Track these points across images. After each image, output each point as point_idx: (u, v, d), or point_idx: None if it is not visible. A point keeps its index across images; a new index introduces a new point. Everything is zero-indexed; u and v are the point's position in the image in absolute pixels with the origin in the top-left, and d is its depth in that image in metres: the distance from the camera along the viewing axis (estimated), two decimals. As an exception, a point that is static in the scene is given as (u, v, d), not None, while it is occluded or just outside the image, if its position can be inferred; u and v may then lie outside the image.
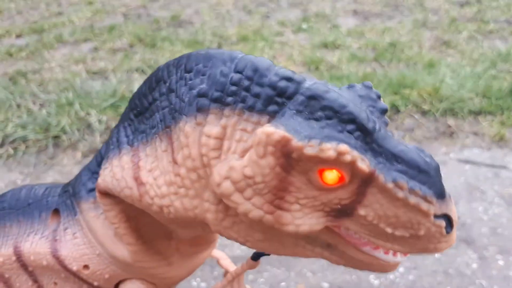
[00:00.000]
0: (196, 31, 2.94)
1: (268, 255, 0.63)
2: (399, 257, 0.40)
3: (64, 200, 0.59)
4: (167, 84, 0.40)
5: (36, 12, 3.51)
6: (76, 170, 1.64)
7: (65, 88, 2.09)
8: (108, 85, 2.10)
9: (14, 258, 0.60)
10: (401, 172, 0.35)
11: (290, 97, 0.35)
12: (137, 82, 2.16)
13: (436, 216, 0.35)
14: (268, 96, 0.36)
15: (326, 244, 0.39)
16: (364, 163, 0.33)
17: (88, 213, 0.55)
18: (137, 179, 0.43)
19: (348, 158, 0.33)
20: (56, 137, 1.78)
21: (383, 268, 0.40)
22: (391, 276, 1.16)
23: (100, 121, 1.83)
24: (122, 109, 1.91)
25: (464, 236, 1.29)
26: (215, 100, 0.37)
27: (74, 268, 0.58)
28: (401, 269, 1.18)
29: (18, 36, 2.96)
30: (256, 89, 0.36)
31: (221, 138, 0.37)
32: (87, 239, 0.56)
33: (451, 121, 1.85)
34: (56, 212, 0.60)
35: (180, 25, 3.10)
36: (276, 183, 0.35)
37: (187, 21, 3.18)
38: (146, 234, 0.53)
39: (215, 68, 0.38)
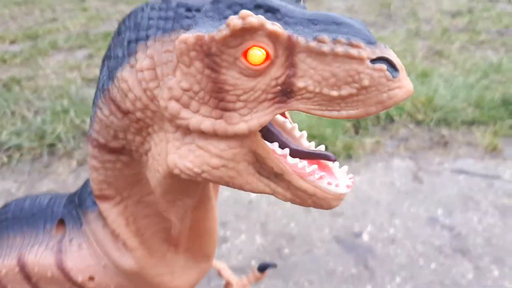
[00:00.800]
0: (191, 39, 2.95)
1: (275, 266, 0.64)
2: (342, 189, 0.41)
3: (70, 211, 0.59)
4: (108, 54, 0.44)
5: (31, 18, 3.49)
6: (71, 179, 1.63)
7: (60, 95, 2.08)
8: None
9: (17, 269, 0.60)
10: (320, 30, 0.35)
11: (198, 9, 0.37)
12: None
13: (372, 61, 0.34)
14: (178, 13, 0.38)
15: (274, 174, 0.40)
16: (275, 25, 0.34)
17: (94, 224, 0.55)
18: (112, 151, 0.47)
19: (256, 19, 0.33)
20: (51, 145, 1.76)
21: (326, 200, 0.41)
22: (387, 286, 1.16)
23: (95, 129, 1.83)
24: (118, 117, 1.91)
25: (459, 247, 1.30)
26: (138, 39, 0.39)
27: (80, 279, 0.58)
28: (397, 279, 1.19)
29: (12, 42, 2.95)
30: (169, 13, 0.38)
31: (153, 68, 0.39)
32: (92, 250, 0.56)
33: (444, 131, 1.88)
34: (61, 222, 0.60)
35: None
36: (212, 86, 0.36)
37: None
38: (147, 238, 0.54)
39: (136, 18, 0.41)
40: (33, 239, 0.60)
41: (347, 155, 1.72)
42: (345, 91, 0.35)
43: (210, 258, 0.64)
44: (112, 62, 0.42)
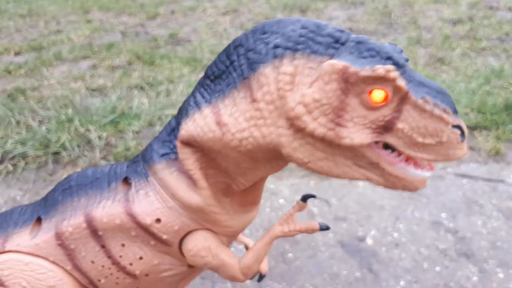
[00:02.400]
0: (194, 48, 2.98)
1: (314, 196, 0.76)
2: (426, 173, 0.51)
3: (134, 169, 0.65)
4: (245, 46, 0.53)
5: (35, 30, 3.54)
6: (75, 186, 1.64)
7: (64, 105, 2.10)
8: (107, 101, 2.11)
9: (84, 225, 0.64)
10: (426, 92, 0.47)
11: (343, 44, 0.48)
12: (137, 98, 2.18)
13: (453, 126, 0.47)
14: (328, 42, 0.49)
15: (369, 163, 0.50)
16: (403, 81, 0.46)
17: (161, 172, 0.62)
18: (219, 123, 0.55)
19: (394, 74, 0.45)
20: (56, 153, 1.78)
21: (414, 183, 0.51)
22: (392, 290, 1.16)
23: (100, 137, 1.84)
24: (121, 125, 1.92)
25: (464, 250, 1.29)
26: (288, 48, 0.49)
27: (148, 221, 0.63)
28: (402, 283, 1.18)
29: (17, 53, 2.99)
30: (318, 38, 0.49)
31: (293, 75, 0.49)
32: (159, 195, 0.63)
33: (447, 136, 1.88)
34: (126, 180, 0.66)
35: (178, 43, 3.13)
36: (337, 104, 0.47)
37: (185, 39, 3.22)
38: (212, 183, 0.62)
39: (285, 27, 0.50)
40: (99, 197, 0.65)
41: (350, 160, 1.72)
42: (428, 140, 0.47)
43: (257, 207, 0.73)
44: (253, 55, 0.51)
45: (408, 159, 0.51)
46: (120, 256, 0.66)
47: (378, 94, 0.46)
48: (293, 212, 0.73)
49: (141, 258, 0.67)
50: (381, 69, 0.44)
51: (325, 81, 0.46)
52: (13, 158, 1.74)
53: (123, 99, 2.18)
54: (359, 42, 0.47)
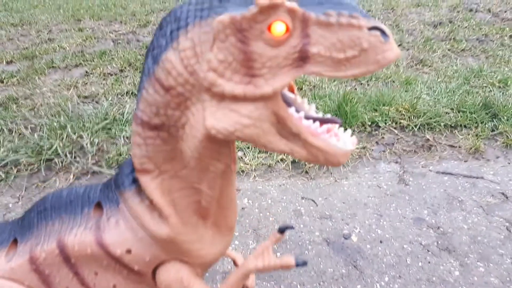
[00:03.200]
0: (184, 55, 3.03)
1: (292, 228, 0.75)
2: (348, 145, 0.49)
3: (107, 194, 0.64)
4: (150, 47, 0.52)
5: (27, 39, 3.56)
6: (68, 192, 1.68)
7: (57, 112, 2.13)
8: (99, 108, 2.15)
9: (57, 251, 0.63)
10: (326, 8, 0.44)
11: (228, 0, 0.47)
12: (128, 105, 2.22)
13: (368, 29, 0.43)
14: (212, 4, 0.47)
15: (292, 134, 0.49)
16: (293, 3, 0.43)
17: (130, 200, 0.61)
18: (154, 128, 0.55)
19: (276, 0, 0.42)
20: (48, 160, 1.81)
21: (336, 156, 0.49)
22: (377, 285, 1.21)
23: (92, 143, 1.88)
24: (113, 131, 1.96)
25: (446, 245, 1.35)
26: (180, 28, 0.48)
27: (118, 253, 0.62)
28: (386, 278, 1.23)
29: (9, 62, 3.01)
30: (204, 5, 0.47)
31: (193, 47, 0.47)
32: (129, 225, 0.61)
33: (429, 135, 1.94)
34: (99, 205, 0.65)
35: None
36: (242, 56, 0.45)
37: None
38: (181, 209, 0.60)
39: (175, 13, 0.50)
40: (72, 223, 0.64)
41: (336, 161, 1.78)
42: (349, 53, 0.43)
43: (232, 230, 0.71)
44: (156, 51, 0.51)
45: (329, 130, 0.50)
46: (94, 284, 0.66)
47: (277, 26, 0.43)
48: (269, 244, 0.72)
49: (114, 286, 0.66)
50: (261, 0, 0.42)
51: (222, 39, 0.45)
52: (5, 165, 1.77)
53: (115, 105, 2.22)
54: None
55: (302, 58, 0.45)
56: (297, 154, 0.50)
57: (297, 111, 0.51)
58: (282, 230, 0.74)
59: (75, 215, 0.64)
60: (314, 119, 0.51)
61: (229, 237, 0.71)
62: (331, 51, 0.44)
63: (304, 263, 0.68)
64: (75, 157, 1.82)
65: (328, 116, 0.52)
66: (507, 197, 1.55)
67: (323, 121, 0.51)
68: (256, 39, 0.44)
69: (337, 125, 0.51)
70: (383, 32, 0.43)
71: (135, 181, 0.61)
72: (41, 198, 0.70)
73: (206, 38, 0.47)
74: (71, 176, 1.74)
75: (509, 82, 2.47)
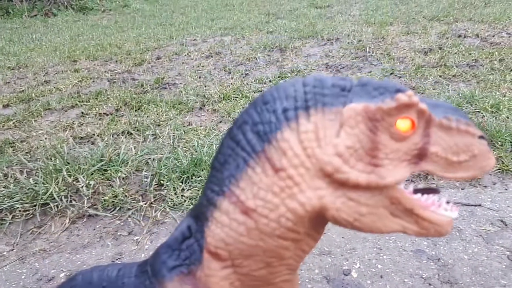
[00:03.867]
0: (179, 92, 3.07)
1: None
2: (453, 213, 0.51)
3: (143, 282, 0.58)
4: (250, 121, 0.51)
5: (23, 81, 3.62)
6: (64, 237, 1.66)
7: (52, 155, 2.14)
8: (95, 149, 2.16)
9: None
10: (444, 112, 0.49)
11: (349, 90, 0.49)
12: (124, 144, 2.23)
13: (478, 137, 0.48)
14: (336, 92, 0.49)
15: (404, 210, 0.49)
16: (424, 104, 0.47)
17: None
18: (245, 211, 0.50)
19: (416, 98, 0.46)
20: (44, 204, 1.80)
21: (445, 227, 0.50)
22: (379, 322, 1.18)
23: (88, 186, 1.87)
24: (109, 173, 1.96)
25: (447, 277, 1.32)
26: (298, 108, 0.49)
27: None
28: (389, 315, 1.21)
29: (6, 106, 3.04)
30: (325, 91, 0.49)
31: (315, 131, 0.48)
32: None
33: (425, 164, 1.95)
34: None
35: (164, 87, 3.23)
36: (369, 145, 0.46)
37: (170, 83, 3.32)
38: None
39: (286, 90, 0.50)
40: None
41: (333, 194, 1.77)
42: (462, 157, 0.48)
43: None
44: (261, 126, 0.50)
45: (434, 203, 0.52)
46: None
47: (405, 123, 0.46)
48: None
49: None
50: (403, 96, 0.45)
51: (351, 125, 0.46)
52: (0, 212, 1.76)
53: (110, 146, 2.23)
54: (364, 85, 0.49)
55: (420, 155, 0.48)
56: (409, 231, 0.50)
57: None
58: None
59: None
60: (416, 190, 0.52)
61: None
62: (447, 152, 0.48)
63: None
64: (70, 201, 1.81)
65: (427, 187, 0.54)
66: (506, 225, 1.54)
67: (424, 191, 0.53)
68: (383, 130, 0.46)
69: (437, 195, 0.53)
70: (487, 142, 0.49)
71: (174, 268, 0.55)
72: (69, 278, 0.64)
73: (331, 125, 0.47)
74: (67, 221, 1.73)
75: (501, 107, 2.50)
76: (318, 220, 0.51)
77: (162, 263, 0.56)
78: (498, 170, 1.89)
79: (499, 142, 2.04)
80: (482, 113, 2.43)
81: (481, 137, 0.48)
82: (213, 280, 0.53)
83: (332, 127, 0.47)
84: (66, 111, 2.90)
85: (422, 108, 0.46)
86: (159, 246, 0.59)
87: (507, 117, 2.36)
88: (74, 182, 1.90)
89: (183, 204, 1.74)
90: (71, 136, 2.45)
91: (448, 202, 0.52)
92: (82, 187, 1.86)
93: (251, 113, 0.51)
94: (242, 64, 3.74)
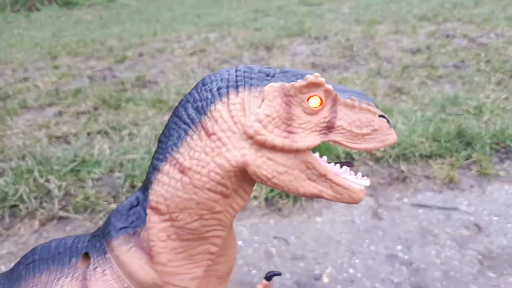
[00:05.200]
0: (160, 90, 3.02)
1: (279, 274, 0.78)
2: (366, 181, 0.60)
3: (94, 244, 0.66)
4: (191, 100, 0.60)
5: (1, 79, 3.54)
6: (33, 240, 1.61)
7: (24, 155, 2.08)
8: (69, 149, 2.11)
9: None
10: (350, 94, 0.59)
11: (273, 76, 0.59)
12: (99, 144, 2.18)
13: (379, 116, 0.58)
14: (261, 77, 0.59)
15: (319, 175, 0.58)
16: (330, 85, 0.57)
17: (118, 249, 0.63)
18: (182, 170, 0.58)
19: (322, 79, 0.55)
20: (13, 206, 1.75)
21: (357, 193, 0.59)
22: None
23: (59, 188, 1.82)
24: (82, 174, 1.91)
25: (418, 282, 1.30)
26: (229, 87, 0.58)
27: None
28: (360, 321, 1.18)
29: (-18, 103, 2.97)
30: (253, 75, 0.59)
31: (241, 103, 0.57)
32: (116, 274, 0.63)
33: (403, 166, 1.93)
34: (86, 255, 0.66)
35: (144, 86, 3.17)
36: (285, 115, 0.56)
37: (152, 81, 3.27)
38: (180, 258, 0.62)
39: (222, 74, 0.60)
40: (59, 274, 0.65)
41: (309, 196, 1.74)
42: (364, 130, 0.57)
43: (227, 280, 0.73)
44: (199, 103, 0.59)
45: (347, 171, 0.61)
46: None
47: (314, 100, 0.56)
48: None
49: None
50: (311, 76, 0.55)
51: (270, 99, 0.56)
52: (-33, 214, 1.70)
53: (85, 146, 2.18)
54: (285, 72, 0.59)
55: (329, 127, 0.57)
56: (325, 194, 0.58)
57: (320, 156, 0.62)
58: (269, 278, 0.77)
59: (63, 266, 0.65)
60: (332, 161, 0.61)
61: (226, 283, 0.72)
62: (351, 126, 0.57)
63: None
64: (41, 203, 1.76)
65: (343, 161, 0.62)
66: (480, 229, 1.53)
67: (339, 163, 0.61)
68: (297, 105, 0.56)
69: (349, 168, 0.61)
70: (387, 121, 0.58)
71: (121, 229, 0.63)
72: (30, 250, 0.70)
73: (254, 100, 0.57)
74: (37, 223, 1.68)
75: (483, 109, 2.49)
76: (245, 178, 0.59)
77: (111, 225, 0.64)
78: (477, 173, 1.88)
79: (478, 145, 2.02)
80: (464, 116, 2.41)
81: (381, 116, 0.58)
82: (153, 231, 0.60)
83: (256, 102, 0.57)
84: (43, 109, 2.84)
85: (328, 88, 0.56)
86: (110, 213, 0.66)
87: (489, 119, 2.35)
88: (46, 183, 1.85)
89: (155, 207, 1.70)
90: (46, 136, 2.39)
91: (363, 176, 0.61)
92: (53, 188, 1.81)
93: (193, 93, 0.60)
94: (226, 62, 3.69)
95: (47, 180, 1.86)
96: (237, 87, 0.58)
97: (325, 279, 1.33)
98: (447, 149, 2.02)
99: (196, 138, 0.58)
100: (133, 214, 0.63)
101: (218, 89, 0.59)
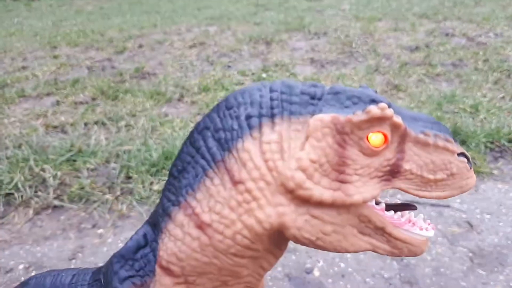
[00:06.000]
0: (158, 82, 3.02)
1: None
2: (430, 232, 0.49)
3: None
4: (211, 127, 0.47)
5: (0, 67, 3.53)
6: (26, 228, 1.62)
7: (21, 144, 2.08)
8: (65, 139, 2.11)
9: None
10: (422, 126, 0.45)
11: (320, 98, 0.45)
12: (96, 135, 2.18)
13: (458, 154, 0.45)
14: (305, 100, 0.45)
15: (374, 229, 0.46)
16: (399, 118, 0.43)
17: None
18: (200, 226, 0.46)
19: (390, 111, 0.42)
20: (8, 194, 1.75)
21: (420, 246, 0.48)
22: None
23: (54, 177, 1.83)
24: (78, 164, 1.91)
25: (408, 278, 1.32)
26: (263, 115, 0.44)
27: None
28: (349, 314, 1.20)
29: (-21, 92, 2.96)
30: (293, 98, 0.45)
31: (279, 142, 0.44)
32: None
33: (398, 163, 1.94)
34: None
35: (143, 77, 3.17)
36: (336, 160, 0.42)
37: (150, 72, 3.27)
38: None
39: (252, 95, 0.46)
40: None
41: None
42: (439, 175, 0.45)
43: None
44: (222, 133, 0.46)
45: (410, 220, 0.49)
46: None
47: (377, 137, 0.43)
48: None
49: None
50: (375, 109, 0.42)
51: (318, 138, 0.42)
52: (-38, 201, 1.71)
53: (82, 136, 2.18)
54: (336, 93, 0.45)
55: (393, 172, 0.44)
56: (380, 250, 0.48)
57: (376, 202, 0.48)
58: None
59: None
60: (391, 207, 0.49)
61: None
62: (423, 170, 0.44)
63: None
64: (36, 191, 1.77)
65: (403, 202, 0.51)
66: (472, 226, 1.54)
67: (399, 207, 0.50)
68: (353, 144, 0.43)
69: (413, 211, 0.50)
70: (468, 160, 0.46)
71: (127, 279, 0.52)
72: (21, 283, 0.62)
73: (296, 136, 0.44)
74: (31, 211, 1.69)
75: (479, 108, 2.49)
76: (280, 237, 0.47)
77: (114, 274, 0.53)
78: (470, 171, 1.89)
79: (473, 144, 2.03)
80: (461, 114, 2.42)
81: (461, 154, 0.46)
82: None
83: (298, 139, 0.43)
84: (41, 98, 2.83)
85: (397, 122, 0.43)
86: (113, 255, 0.55)
87: (485, 118, 2.36)
88: (41, 172, 1.85)
89: (150, 198, 1.71)
90: (44, 125, 2.39)
91: (425, 220, 0.50)
92: (49, 177, 1.82)
93: (214, 118, 0.47)
94: (225, 56, 3.69)
95: (43, 169, 1.87)
96: (272, 116, 0.44)
97: (316, 272, 1.34)
98: (442, 147, 2.03)
99: (217, 183, 0.45)
100: (140, 259, 0.52)
101: (248, 117, 0.45)
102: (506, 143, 2.08)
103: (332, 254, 1.42)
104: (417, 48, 3.82)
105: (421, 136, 0.44)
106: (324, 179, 0.43)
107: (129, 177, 1.83)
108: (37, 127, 2.33)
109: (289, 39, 4.23)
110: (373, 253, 1.42)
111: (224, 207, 0.45)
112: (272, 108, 0.45)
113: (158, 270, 0.49)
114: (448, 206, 1.66)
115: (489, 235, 1.50)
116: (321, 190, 0.43)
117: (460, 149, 0.46)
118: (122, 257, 0.53)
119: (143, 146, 2.02)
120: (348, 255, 1.41)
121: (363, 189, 0.43)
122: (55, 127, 2.38)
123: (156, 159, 1.87)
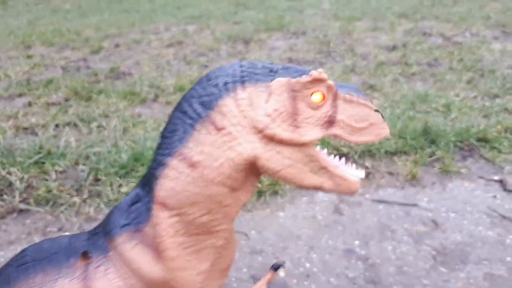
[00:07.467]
0: (133, 82, 2.99)
1: (283, 266, 0.84)
2: (361, 172, 0.64)
3: (94, 242, 0.65)
4: (196, 95, 0.61)
5: (-29, 67, 3.45)
6: (-9, 233, 1.58)
7: (-13, 147, 2.03)
8: (35, 141, 2.07)
9: None
10: (348, 90, 0.62)
11: (276, 72, 0.61)
12: (66, 136, 2.15)
13: (374, 110, 0.61)
14: (265, 72, 0.61)
15: (320, 168, 0.61)
16: (331, 81, 0.60)
17: (122, 247, 0.62)
18: (192, 164, 0.59)
19: (325, 75, 0.59)
20: (-28, 199, 1.71)
21: (354, 183, 0.63)
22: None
23: (21, 180, 1.79)
24: (46, 166, 1.88)
25: (372, 277, 1.33)
26: (236, 82, 0.60)
27: None
28: (314, 314, 1.20)
29: (-51, 92, 2.89)
30: (257, 71, 0.61)
31: (250, 99, 0.59)
32: (120, 272, 0.63)
33: (368, 163, 1.96)
34: (85, 254, 0.65)
35: (118, 77, 3.13)
36: (291, 110, 0.58)
37: (126, 72, 3.23)
38: (188, 253, 0.63)
39: (227, 70, 0.62)
40: (57, 274, 0.63)
41: (274, 191, 1.76)
42: (361, 124, 0.61)
43: (226, 273, 0.74)
44: (206, 98, 0.60)
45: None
46: None
47: (317, 95, 0.59)
48: (263, 283, 0.75)
49: None
50: (315, 72, 0.58)
51: (278, 93, 0.58)
52: None
53: (52, 137, 2.14)
54: (287, 68, 0.62)
55: (330, 122, 0.60)
56: (326, 185, 0.62)
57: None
58: (275, 268, 0.84)
59: (60, 267, 0.63)
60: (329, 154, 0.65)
61: (222, 281, 0.73)
62: (351, 120, 0.60)
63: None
64: (1, 195, 1.73)
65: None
66: (437, 225, 1.56)
67: (335, 155, 0.65)
68: (301, 100, 0.59)
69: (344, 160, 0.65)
70: (381, 115, 0.62)
71: (124, 226, 0.63)
72: (19, 252, 0.67)
73: (261, 95, 0.59)
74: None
75: (451, 107, 2.54)
76: (252, 172, 0.61)
77: (113, 222, 0.63)
78: (439, 170, 1.92)
79: (442, 143, 2.07)
80: (433, 113, 2.46)
81: (376, 110, 0.61)
82: (161, 227, 0.60)
83: (262, 97, 0.59)
84: (13, 99, 2.78)
85: (330, 83, 0.59)
86: (110, 210, 0.67)
87: (456, 117, 2.40)
88: (7, 176, 1.81)
89: (118, 200, 1.68)
90: (14, 127, 2.34)
91: (358, 168, 0.65)
92: (15, 180, 1.78)
93: (197, 88, 0.62)
94: (203, 55, 3.67)
95: (9, 173, 1.83)
96: (243, 82, 0.60)
97: (282, 273, 1.35)
98: (412, 146, 2.05)
99: (204, 132, 0.59)
100: (134, 211, 0.63)
101: (225, 84, 0.60)
102: (475, 142, 2.12)
103: (298, 254, 1.43)
104: (394, 48, 3.87)
105: (347, 95, 0.60)
106: (283, 123, 0.58)
107: (97, 180, 1.80)
108: (6, 129, 2.28)
109: (268, 38, 4.23)
110: (340, 253, 1.43)
111: (211, 148, 0.58)
112: (242, 77, 0.60)
113: (155, 206, 0.60)
114: (415, 205, 1.68)
115: (452, 233, 1.52)
116: (282, 131, 0.58)
117: (375, 107, 0.61)
118: (119, 209, 0.64)
119: (113, 147, 2.00)
120: (314, 255, 1.42)
121: (310, 132, 0.59)
122: (26, 128, 2.33)
123: (125, 161, 1.84)
